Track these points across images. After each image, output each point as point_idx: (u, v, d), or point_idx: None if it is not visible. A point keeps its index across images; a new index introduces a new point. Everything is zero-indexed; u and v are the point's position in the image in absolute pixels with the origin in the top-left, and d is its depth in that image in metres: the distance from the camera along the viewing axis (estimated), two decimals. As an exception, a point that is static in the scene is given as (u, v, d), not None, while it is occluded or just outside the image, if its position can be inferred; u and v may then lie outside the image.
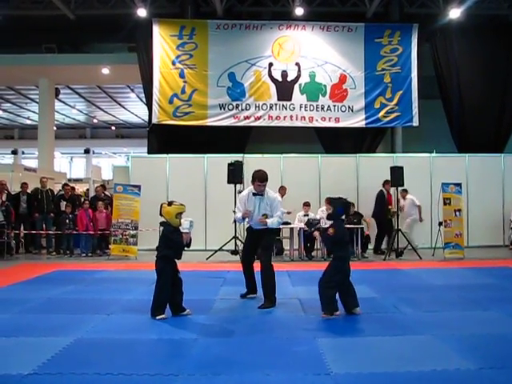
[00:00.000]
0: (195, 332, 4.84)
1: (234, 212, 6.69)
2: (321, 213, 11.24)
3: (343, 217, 5.69)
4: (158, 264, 5.42)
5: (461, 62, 14.29)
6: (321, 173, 12.65)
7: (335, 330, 4.93)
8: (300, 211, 11.27)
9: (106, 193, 12.93)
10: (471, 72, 14.34)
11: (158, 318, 5.27)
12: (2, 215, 10.96)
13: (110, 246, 11.33)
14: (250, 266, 6.45)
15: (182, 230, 5.40)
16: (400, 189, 11.80)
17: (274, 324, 5.27)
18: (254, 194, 6.28)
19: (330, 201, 5.81)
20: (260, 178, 6.22)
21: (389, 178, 11.31)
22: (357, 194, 12.48)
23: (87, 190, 20.02)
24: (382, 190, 11.52)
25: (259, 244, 6.25)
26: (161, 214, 5.47)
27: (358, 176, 12.69)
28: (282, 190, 11.44)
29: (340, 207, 5.59)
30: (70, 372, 3.70)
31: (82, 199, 12.84)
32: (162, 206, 5.48)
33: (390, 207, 11.46)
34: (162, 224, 5.57)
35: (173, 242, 5.38)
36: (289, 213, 11.06)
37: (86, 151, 34.90)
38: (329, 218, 5.73)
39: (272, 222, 6.15)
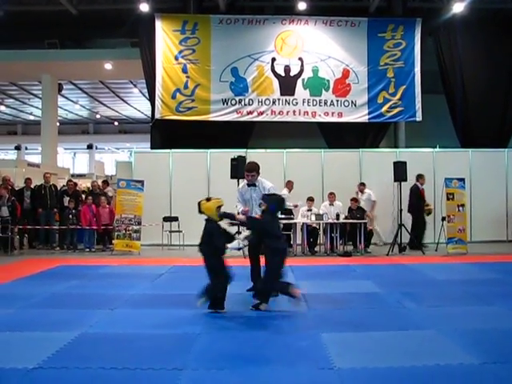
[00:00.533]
0: (199, 327, 4.86)
1: (237, 206, 6.69)
2: (324, 208, 11.26)
3: (278, 213, 5.70)
4: (207, 260, 5.40)
5: (464, 56, 14.20)
6: (324, 168, 12.63)
7: (339, 325, 4.93)
8: (304, 206, 11.27)
9: (109, 188, 12.94)
10: (475, 66, 14.26)
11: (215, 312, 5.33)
12: (7, 211, 11.00)
13: (113, 241, 11.37)
14: (257, 258, 6.44)
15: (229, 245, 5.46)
16: (358, 182, 11.87)
17: (277, 318, 5.28)
18: (248, 186, 6.34)
19: (264, 198, 5.76)
20: (247, 168, 6.31)
21: (421, 172, 11.23)
22: (360, 189, 12.48)
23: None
24: (416, 185, 11.26)
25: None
26: (200, 212, 5.44)
27: (361, 171, 12.67)
28: (289, 185, 11.46)
29: (273, 204, 5.60)
30: (75, 366, 3.72)
31: (84, 196, 12.85)
32: (200, 203, 5.44)
33: (427, 204, 11.24)
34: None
35: (214, 239, 5.37)
36: (296, 206, 11.08)
37: (89, 147, 35.00)
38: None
39: None
